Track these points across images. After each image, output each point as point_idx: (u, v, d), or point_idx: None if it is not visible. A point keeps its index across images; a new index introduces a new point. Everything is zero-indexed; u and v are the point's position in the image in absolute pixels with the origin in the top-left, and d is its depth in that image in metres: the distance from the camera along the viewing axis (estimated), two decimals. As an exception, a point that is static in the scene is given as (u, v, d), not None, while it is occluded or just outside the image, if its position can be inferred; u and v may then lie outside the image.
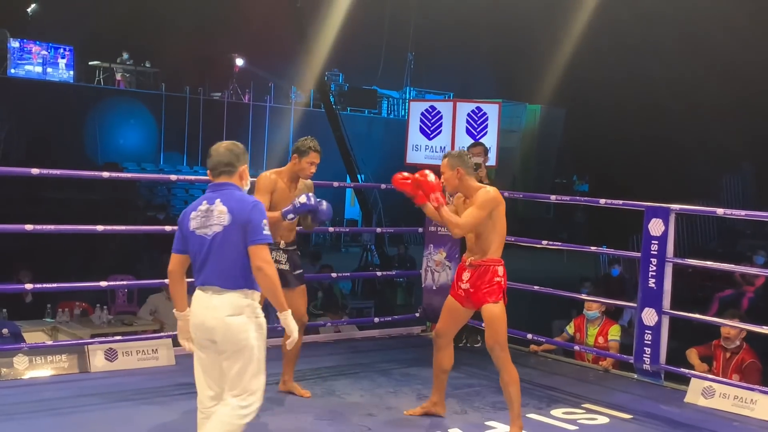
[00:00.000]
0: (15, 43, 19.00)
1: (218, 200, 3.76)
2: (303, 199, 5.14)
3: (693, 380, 5.93)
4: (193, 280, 3.86)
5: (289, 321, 3.81)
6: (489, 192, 4.79)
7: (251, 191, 4.55)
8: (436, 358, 5.14)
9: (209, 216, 3.75)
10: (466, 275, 4.90)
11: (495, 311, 4.80)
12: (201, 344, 3.80)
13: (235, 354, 3.71)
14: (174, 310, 3.95)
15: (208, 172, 3.90)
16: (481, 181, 7.30)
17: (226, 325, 3.69)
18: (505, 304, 4.86)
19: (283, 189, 5.31)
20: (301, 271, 5.56)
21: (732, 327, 6.24)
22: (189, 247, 3.81)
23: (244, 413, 3.74)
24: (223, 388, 3.80)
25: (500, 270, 4.85)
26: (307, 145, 5.28)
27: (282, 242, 5.40)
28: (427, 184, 4.75)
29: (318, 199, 5.24)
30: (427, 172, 4.79)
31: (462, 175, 4.82)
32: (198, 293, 3.79)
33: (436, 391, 5.21)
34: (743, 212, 6.41)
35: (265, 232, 3.72)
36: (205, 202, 3.80)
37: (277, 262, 5.29)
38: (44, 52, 19.17)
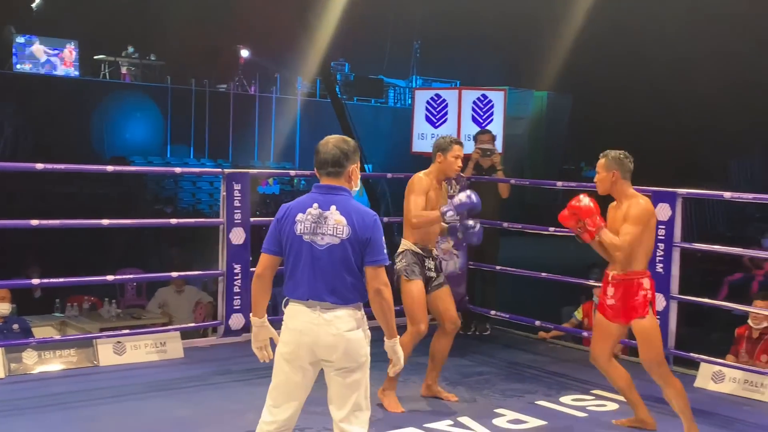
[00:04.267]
0: (20, 39, 19.01)
1: (334, 207, 3.45)
2: (463, 197, 5.01)
3: (702, 365, 5.91)
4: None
5: (398, 349, 3.60)
6: (642, 204, 4.62)
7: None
8: (611, 380, 4.92)
9: (321, 223, 3.44)
10: (610, 290, 4.70)
11: (646, 326, 4.61)
12: (301, 364, 3.48)
13: (355, 370, 3.49)
14: (252, 316, 3.62)
15: (315, 169, 3.58)
16: (493, 167, 7.34)
17: (347, 341, 3.45)
18: (655, 315, 4.67)
19: (435, 189, 5.24)
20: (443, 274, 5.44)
21: (756, 312, 6.21)
22: (289, 252, 3.48)
23: None
24: (296, 411, 3.56)
25: (646, 282, 4.63)
26: (448, 140, 5.23)
27: (434, 250, 5.30)
28: (581, 210, 4.62)
29: (476, 220, 5.21)
30: (580, 197, 4.68)
31: (617, 178, 4.66)
32: (300, 308, 3.47)
33: (637, 409, 4.94)
34: (750, 195, 6.37)
35: (385, 252, 3.49)
36: (316, 205, 3.46)
37: (428, 270, 5.21)
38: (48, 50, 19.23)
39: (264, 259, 3.55)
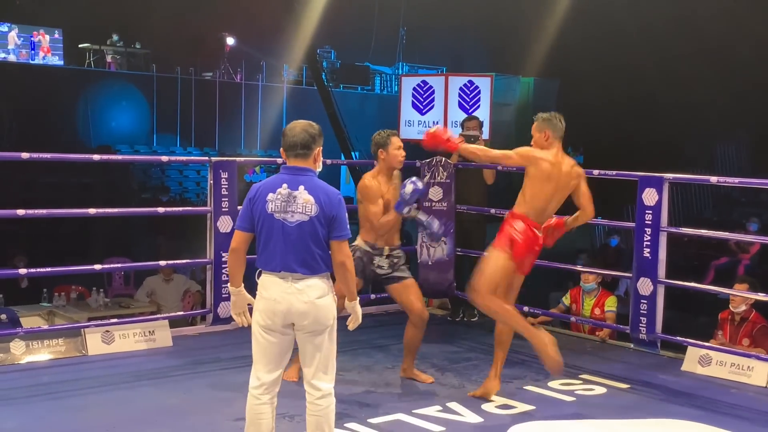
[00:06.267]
0: (3, 28, 18.86)
1: (302, 187, 3.73)
2: (409, 188, 5.09)
3: (689, 349, 5.94)
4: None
5: (356, 308, 3.95)
6: (540, 151, 4.84)
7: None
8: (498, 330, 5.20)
9: (291, 202, 3.72)
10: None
11: (489, 256, 4.86)
12: (277, 330, 3.77)
13: (324, 332, 3.78)
14: (230, 286, 3.92)
15: (281, 151, 3.86)
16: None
17: (317, 307, 3.74)
18: (516, 259, 4.83)
19: (387, 190, 5.30)
20: (406, 267, 5.48)
21: (734, 294, 6.24)
22: (261, 228, 3.77)
23: (333, 398, 3.84)
24: (281, 372, 3.86)
25: (518, 224, 4.84)
26: (384, 135, 5.30)
27: (386, 248, 5.34)
28: (438, 133, 4.95)
29: (430, 216, 5.45)
30: (433, 131, 4.98)
31: (549, 138, 4.85)
32: (274, 279, 3.75)
33: (497, 363, 5.26)
34: (736, 179, 6.42)
35: (348, 227, 3.81)
36: (285, 185, 3.75)
37: (378, 267, 5.31)
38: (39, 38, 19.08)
39: (238, 235, 3.86)
